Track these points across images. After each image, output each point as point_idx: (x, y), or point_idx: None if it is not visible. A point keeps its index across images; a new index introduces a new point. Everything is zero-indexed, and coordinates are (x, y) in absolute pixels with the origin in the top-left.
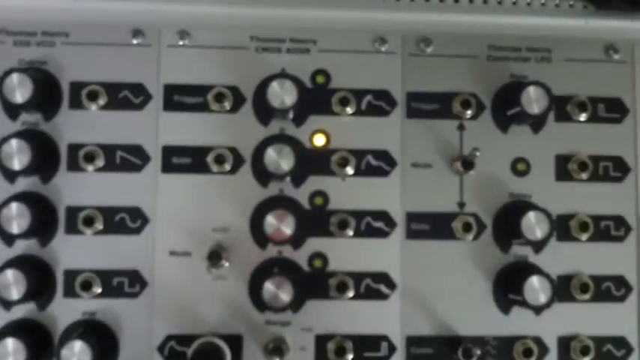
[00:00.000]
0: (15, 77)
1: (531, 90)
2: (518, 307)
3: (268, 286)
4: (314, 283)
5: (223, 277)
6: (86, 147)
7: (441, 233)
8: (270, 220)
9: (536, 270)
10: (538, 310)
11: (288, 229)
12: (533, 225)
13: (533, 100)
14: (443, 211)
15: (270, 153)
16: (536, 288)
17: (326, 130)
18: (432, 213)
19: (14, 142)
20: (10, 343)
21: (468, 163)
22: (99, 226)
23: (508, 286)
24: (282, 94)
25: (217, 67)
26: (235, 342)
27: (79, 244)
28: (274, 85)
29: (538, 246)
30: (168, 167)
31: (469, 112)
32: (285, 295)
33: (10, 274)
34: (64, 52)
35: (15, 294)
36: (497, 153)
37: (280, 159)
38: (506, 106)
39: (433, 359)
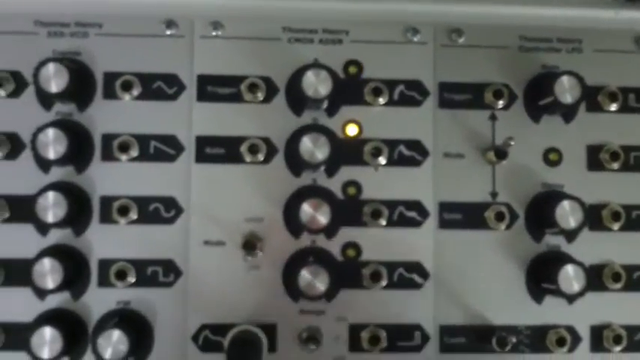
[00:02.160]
0: (51, 67)
1: (565, 80)
2: (551, 297)
3: (304, 275)
4: (347, 273)
5: (257, 267)
6: (120, 137)
7: (473, 223)
8: (306, 208)
9: (570, 259)
10: (571, 298)
11: (323, 217)
12: (567, 214)
13: (567, 90)
14: (475, 200)
15: (306, 142)
16: (570, 276)
17: (358, 120)
18: (464, 203)
19: (51, 132)
20: (48, 332)
21: (501, 153)
22: (133, 215)
23: (541, 275)
24: (317, 84)
25: (250, 57)
26: (269, 331)
27: (113, 234)
28: (309, 75)
29: (571, 235)
30: (201, 157)
31: (501, 102)
32: (321, 284)
33: (47, 262)
34: (98, 43)
35: (50, 283)
36: (529, 143)
37: (316, 148)
38: (538, 96)
39: (466, 348)
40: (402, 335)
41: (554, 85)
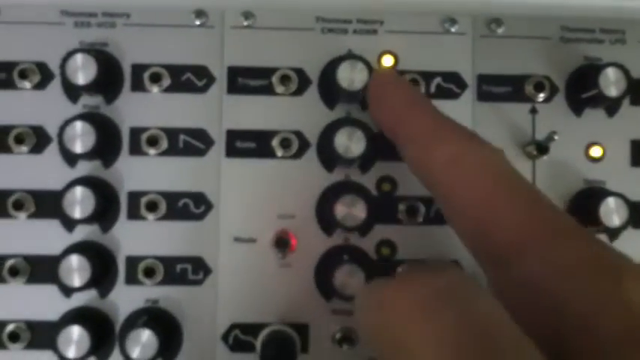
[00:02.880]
0: (79, 58)
1: (610, 72)
2: None
3: (339, 274)
4: (382, 272)
5: (289, 265)
6: (148, 131)
7: None
8: (341, 205)
9: None
10: None
11: (359, 214)
12: (612, 211)
13: (612, 83)
14: None
15: (341, 136)
16: None
17: None
18: None
19: (79, 125)
20: (75, 330)
21: (543, 147)
22: (161, 211)
23: None
24: (353, 76)
25: (282, 48)
26: (301, 331)
27: (142, 230)
28: (345, 66)
29: (614, 233)
30: (232, 151)
31: (542, 95)
32: (357, 284)
33: (74, 259)
34: (126, 34)
35: (77, 280)
36: (570, 137)
37: (351, 143)
38: (581, 89)
39: None
40: None
41: (598, 78)
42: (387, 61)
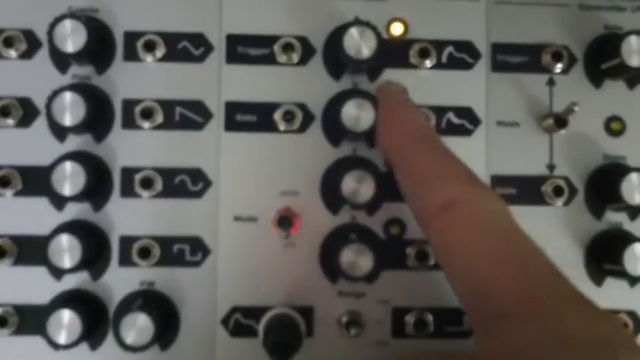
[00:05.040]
0: (68, 24)
1: (633, 40)
2: (612, 279)
3: (346, 254)
4: (390, 252)
5: (292, 245)
6: (142, 102)
7: (529, 198)
8: (349, 181)
9: (635, 238)
10: (636, 281)
11: (368, 191)
12: (634, 188)
13: (635, 52)
14: (531, 173)
15: (349, 108)
16: (637, 257)
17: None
18: (519, 176)
19: (67, 96)
20: (66, 314)
21: (561, 121)
22: (157, 188)
23: (603, 255)
24: (360, 44)
25: (284, 15)
26: (306, 314)
27: (136, 209)
28: (352, 33)
29: (635, 211)
30: (231, 125)
31: (560, 66)
32: (365, 264)
33: (64, 239)
34: (118, 0)
35: (67, 262)
36: (590, 110)
37: (360, 114)
38: (600, 59)
39: None
40: (450, 320)
41: (620, 47)
42: (397, 28)
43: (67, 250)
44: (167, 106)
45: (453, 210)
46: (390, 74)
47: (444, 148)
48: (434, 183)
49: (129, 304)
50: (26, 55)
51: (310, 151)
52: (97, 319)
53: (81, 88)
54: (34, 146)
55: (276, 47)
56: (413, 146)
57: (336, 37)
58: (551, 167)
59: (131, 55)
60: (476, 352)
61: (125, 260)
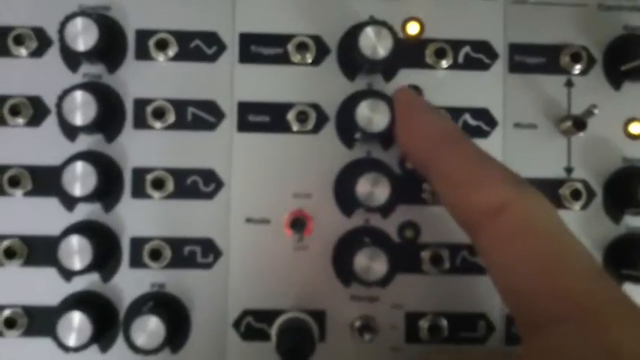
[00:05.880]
0: (79, 22)
1: None
2: (630, 284)
3: (360, 258)
4: (405, 256)
5: (305, 247)
6: (154, 102)
7: None
8: (364, 183)
9: None
10: None
11: (382, 194)
12: None
13: None
14: (549, 176)
15: (363, 109)
16: None
17: (418, 85)
18: (536, 179)
19: (78, 95)
20: (76, 316)
21: (580, 123)
22: (169, 189)
23: (621, 260)
24: (376, 43)
25: (298, 14)
26: (318, 318)
27: (147, 210)
28: (368, 33)
29: None
30: (244, 125)
31: (578, 67)
32: (379, 268)
33: (74, 240)
34: None
35: (78, 263)
36: (609, 112)
37: (374, 116)
38: (620, 61)
39: None
40: (465, 325)
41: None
42: (413, 28)
43: (77, 251)
44: (179, 105)
45: (506, 214)
46: (406, 75)
47: (479, 148)
48: (478, 185)
49: (139, 306)
50: (37, 53)
51: (324, 152)
52: (107, 321)
53: (92, 87)
54: (44, 146)
55: (290, 47)
56: (446, 148)
57: (351, 36)
58: (569, 170)
59: (143, 54)
60: (487, 349)
61: (136, 262)
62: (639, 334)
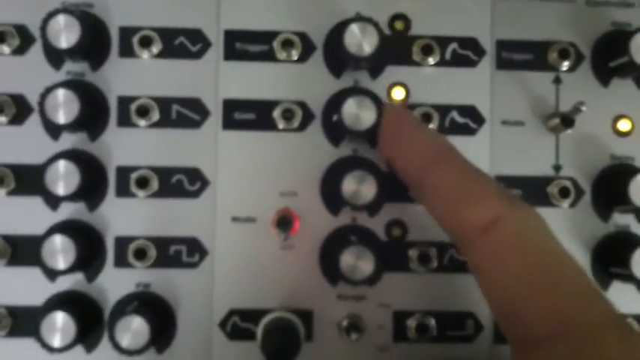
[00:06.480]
0: (61, 19)
1: None
2: (619, 283)
3: (347, 257)
4: (392, 254)
5: (291, 246)
6: (138, 100)
7: (534, 199)
8: (350, 181)
9: None
10: None
11: (369, 192)
12: None
13: None
14: (537, 174)
15: (349, 106)
16: None
17: (405, 82)
18: (524, 176)
19: (61, 93)
20: (60, 317)
21: (568, 120)
22: (153, 188)
23: (610, 258)
24: (362, 40)
25: (283, 10)
26: (305, 318)
27: (132, 209)
28: (353, 29)
29: None
30: (229, 123)
31: (566, 64)
32: (366, 267)
33: (58, 240)
34: None
35: (62, 263)
36: (597, 110)
37: (361, 113)
38: (608, 57)
39: None
40: (453, 324)
41: (628, 44)
42: (399, 24)
43: (61, 250)
44: (163, 103)
45: (497, 230)
46: (392, 71)
47: (471, 163)
48: (470, 201)
49: (124, 306)
50: (19, 50)
51: (310, 150)
52: (91, 321)
53: (75, 84)
54: (27, 144)
55: (276, 44)
56: (439, 165)
57: (336, 33)
58: (557, 168)
59: (127, 51)
60: (475, 356)
61: (120, 261)
62: (633, 355)
